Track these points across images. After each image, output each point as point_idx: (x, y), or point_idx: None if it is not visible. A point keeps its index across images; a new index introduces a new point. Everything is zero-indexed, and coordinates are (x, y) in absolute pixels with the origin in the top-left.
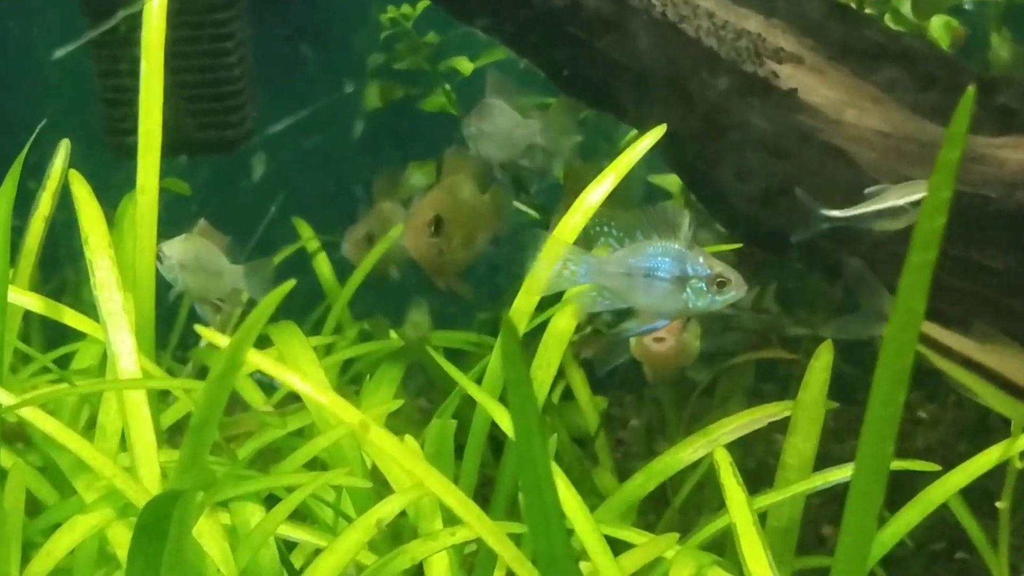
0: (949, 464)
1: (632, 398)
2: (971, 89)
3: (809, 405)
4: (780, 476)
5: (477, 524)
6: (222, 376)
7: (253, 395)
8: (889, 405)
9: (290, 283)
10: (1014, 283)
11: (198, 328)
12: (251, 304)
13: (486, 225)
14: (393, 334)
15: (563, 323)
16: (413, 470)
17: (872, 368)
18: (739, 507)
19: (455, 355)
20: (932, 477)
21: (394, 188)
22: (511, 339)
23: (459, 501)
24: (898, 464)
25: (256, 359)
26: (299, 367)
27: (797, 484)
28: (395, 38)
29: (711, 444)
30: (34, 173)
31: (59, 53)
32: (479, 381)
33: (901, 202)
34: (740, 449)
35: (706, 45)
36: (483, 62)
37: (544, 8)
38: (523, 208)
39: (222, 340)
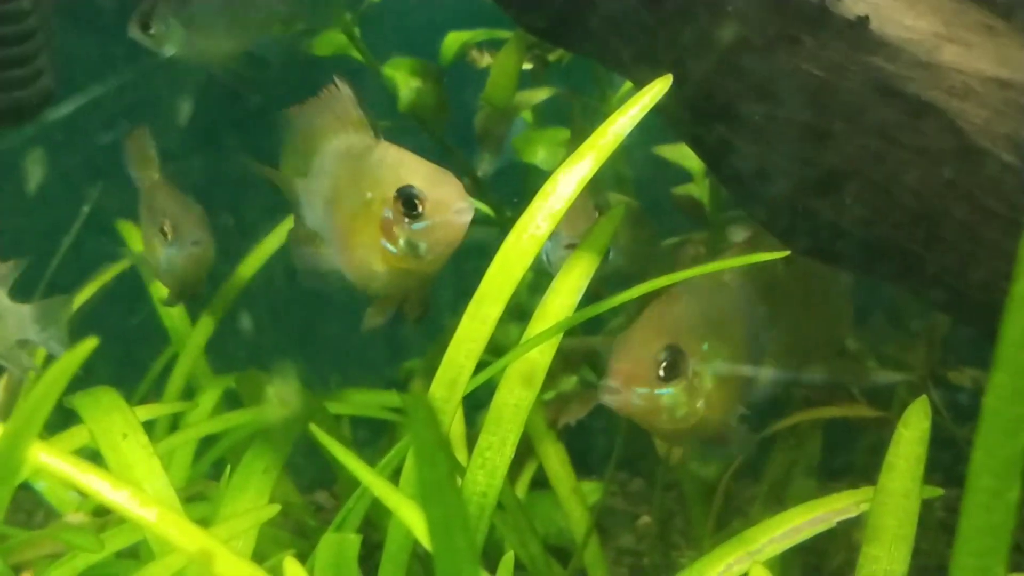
0: None
1: (640, 483)
2: None
3: (895, 493)
4: None
5: None
6: None
7: (61, 498)
8: (994, 510)
9: (91, 342)
10: None
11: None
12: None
13: None
14: (271, 393)
15: (517, 387)
16: None
17: None
18: None
19: (372, 427)
20: None
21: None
22: (424, 422)
23: None
24: None
25: (45, 455)
26: (121, 458)
27: None
28: None
29: (751, 556)
30: None
31: None
32: (401, 467)
33: None
34: (801, 557)
35: None
36: None
37: None
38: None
39: None
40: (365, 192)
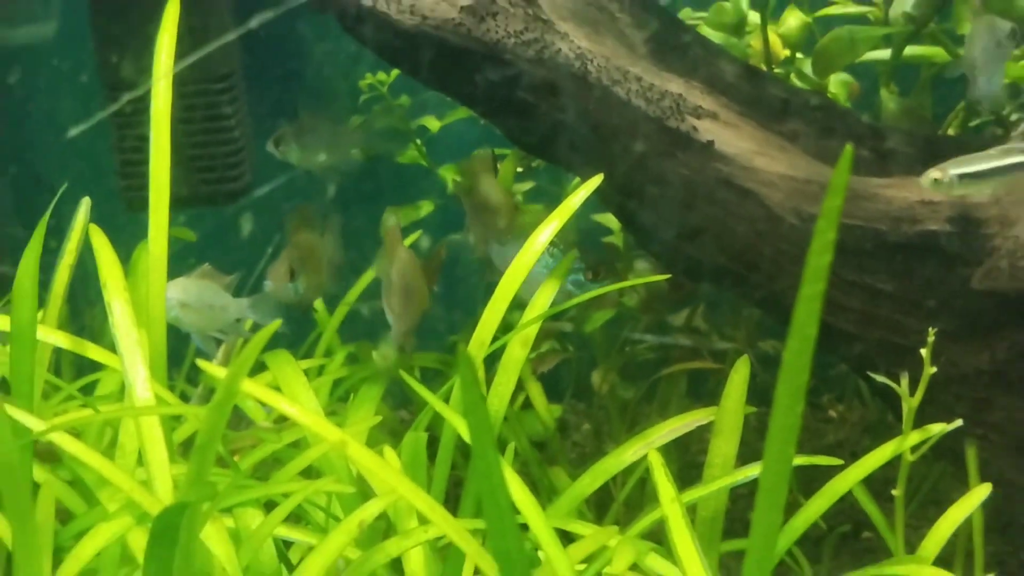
0: (855, 457)
1: (584, 406)
2: (849, 147)
3: (730, 411)
4: (707, 473)
5: (444, 524)
6: (221, 403)
7: (256, 412)
8: (789, 415)
9: (275, 323)
10: (902, 302)
11: (199, 363)
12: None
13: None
14: (375, 357)
15: (517, 349)
16: (387, 480)
17: None
18: (670, 501)
19: (432, 373)
20: (841, 469)
21: (308, 223)
22: (468, 369)
23: (428, 505)
24: (808, 460)
25: (249, 387)
26: (291, 390)
27: (720, 480)
28: (373, 101)
29: (648, 446)
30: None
31: (77, 129)
32: (448, 397)
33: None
34: (677, 449)
35: (635, 105)
36: (450, 120)
37: (492, 78)
38: None
39: (220, 372)
40: None
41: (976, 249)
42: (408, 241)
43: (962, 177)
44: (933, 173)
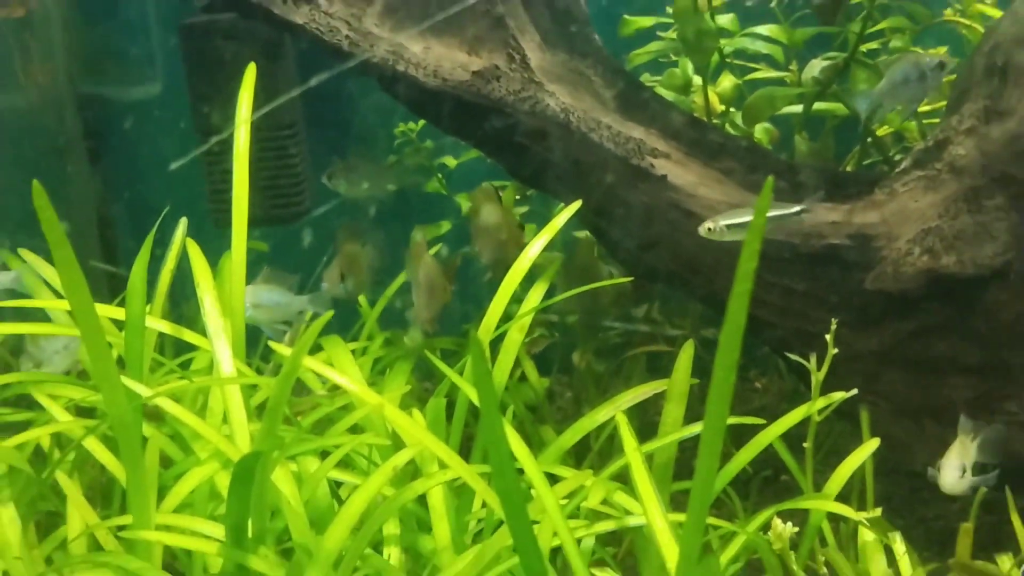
0: (775, 418)
1: (566, 379)
2: (770, 179)
3: (678, 382)
4: (661, 430)
5: (459, 468)
6: (287, 375)
7: (314, 383)
8: (724, 385)
9: (328, 314)
10: (811, 298)
11: (271, 344)
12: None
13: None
14: (405, 340)
15: (515, 333)
16: (415, 434)
17: None
18: (632, 451)
19: (449, 353)
20: (764, 427)
21: (354, 237)
22: (477, 350)
23: (447, 453)
24: (739, 420)
25: (309, 363)
26: (341, 365)
27: (671, 435)
28: (404, 145)
29: (616, 409)
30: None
31: (176, 164)
32: (462, 371)
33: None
34: (638, 412)
35: (606, 147)
36: (464, 159)
37: (496, 126)
38: None
39: (287, 351)
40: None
41: (868, 258)
42: (431, 251)
43: (728, 227)
44: (708, 223)
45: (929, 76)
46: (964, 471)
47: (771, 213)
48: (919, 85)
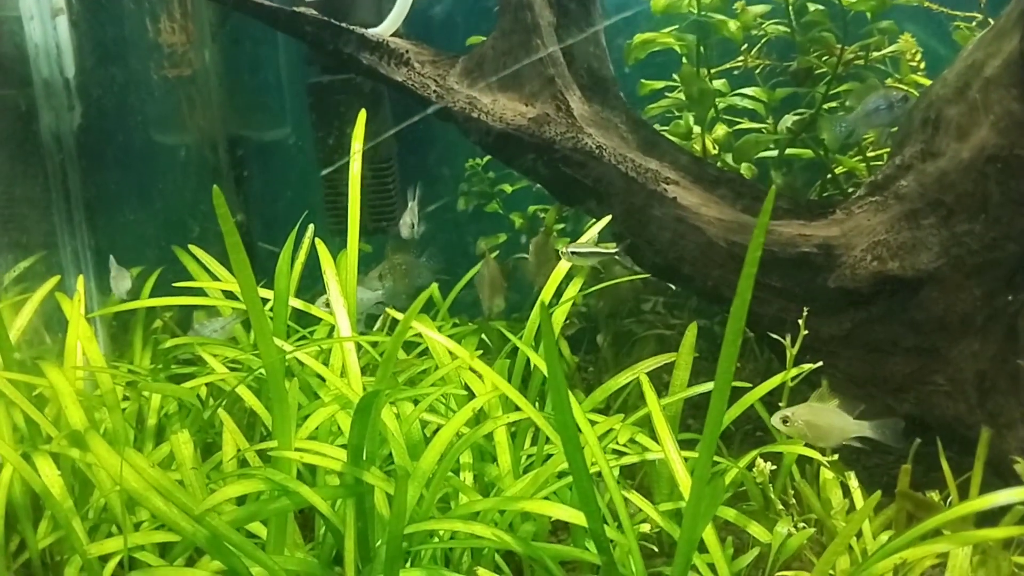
0: (755, 384)
1: (592, 357)
2: (772, 189)
3: (684, 354)
4: (670, 390)
5: (527, 409)
6: (400, 333)
7: (400, 353)
8: (731, 347)
9: (432, 288)
10: (787, 294)
11: (388, 311)
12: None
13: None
14: (469, 324)
15: (558, 315)
16: (493, 381)
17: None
18: (652, 403)
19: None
20: (747, 391)
21: (401, 250)
22: (547, 322)
23: (517, 397)
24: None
25: (416, 325)
26: (428, 335)
27: (679, 393)
28: (472, 175)
29: (636, 373)
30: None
31: (325, 171)
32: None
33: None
34: (655, 378)
35: (631, 175)
36: (518, 187)
37: (545, 159)
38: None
39: (399, 315)
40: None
41: (831, 263)
42: (492, 256)
43: (573, 254)
44: (560, 249)
45: (896, 106)
46: (786, 420)
47: (596, 250)
48: (888, 113)
